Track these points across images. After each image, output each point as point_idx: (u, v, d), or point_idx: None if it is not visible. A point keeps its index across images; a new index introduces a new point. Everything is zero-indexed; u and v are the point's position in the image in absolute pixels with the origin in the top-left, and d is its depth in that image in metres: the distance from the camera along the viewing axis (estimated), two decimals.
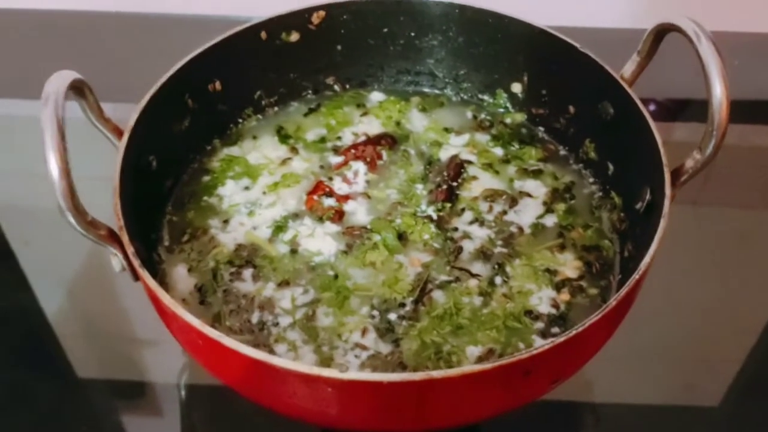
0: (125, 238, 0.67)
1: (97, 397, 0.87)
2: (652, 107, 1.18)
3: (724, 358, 0.88)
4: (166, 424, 0.84)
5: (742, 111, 1.17)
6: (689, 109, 1.19)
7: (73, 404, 0.85)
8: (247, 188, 0.89)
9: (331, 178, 0.89)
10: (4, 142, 1.16)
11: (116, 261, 0.69)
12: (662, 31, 0.77)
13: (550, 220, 0.85)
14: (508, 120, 0.97)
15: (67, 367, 0.87)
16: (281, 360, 0.58)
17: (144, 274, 0.65)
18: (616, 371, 0.86)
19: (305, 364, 0.58)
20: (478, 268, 0.80)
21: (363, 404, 0.61)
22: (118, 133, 0.76)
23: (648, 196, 0.76)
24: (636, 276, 0.64)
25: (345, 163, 0.91)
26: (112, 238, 0.67)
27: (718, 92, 0.68)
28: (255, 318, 0.75)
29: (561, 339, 0.59)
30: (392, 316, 0.75)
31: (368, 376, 0.58)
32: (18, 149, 1.12)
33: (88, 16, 1.33)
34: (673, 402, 0.84)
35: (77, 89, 0.70)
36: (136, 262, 0.66)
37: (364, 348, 0.72)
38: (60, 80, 0.66)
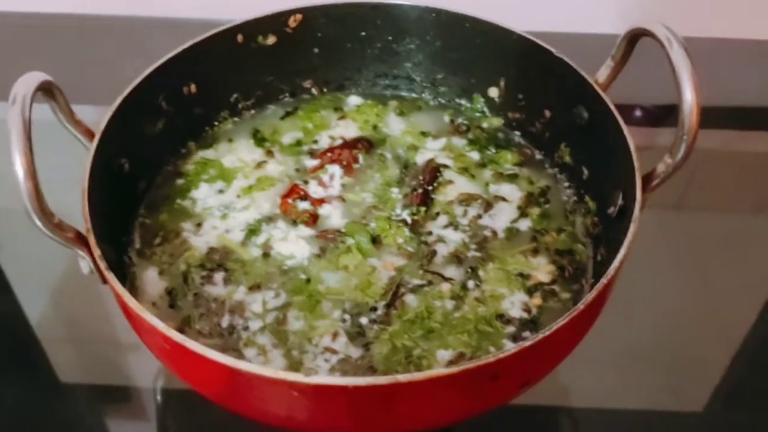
0: (92, 241, 0.67)
1: (77, 401, 0.86)
2: (638, 113, 1.19)
3: (708, 363, 0.88)
4: (147, 428, 0.83)
5: (723, 117, 1.18)
6: (675, 115, 1.19)
7: (52, 408, 0.84)
8: (221, 191, 0.88)
9: (306, 182, 0.89)
10: None
11: (84, 264, 0.69)
12: (635, 36, 0.77)
13: (525, 225, 0.85)
14: (485, 124, 0.97)
15: (46, 370, 0.86)
16: (247, 364, 0.58)
17: (111, 277, 0.65)
18: (598, 375, 0.86)
19: (270, 369, 0.58)
20: (451, 272, 0.80)
21: (330, 408, 0.61)
22: (90, 135, 0.76)
23: (620, 201, 0.76)
24: (604, 280, 0.64)
25: (321, 167, 0.91)
26: (80, 240, 0.67)
27: (689, 97, 0.68)
28: (225, 322, 0.75)
29: (528, 343, 0.59)
30: (363, 320, 0.75)
31: (334, 380, 0.57)
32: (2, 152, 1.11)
33: (61, 18, 1.32)
34: (656, 407, 0.84)
35: (47, 91, 0.70)
36: (102, 265, 0.66)
37: (334, 352, 0.72)
38: (28, 82, 0.66)
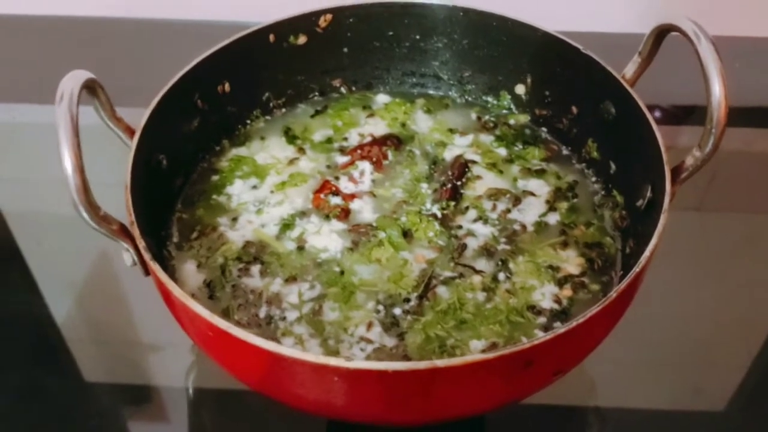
0: (137, 233, 0.69)
1: (103, 400, 0.87)
2: (657, 114, 1.19)
3: (730, 363, 0.89)
4: (172, 429, 0.85)
5: (746, 116, 1.18)
6: (694, 115, 1.20)
7: (80, 407, 0.85)
8: (255, 187, 0.90)
9: (337, 178, 0.91)
10: (13, 147, 1.17)
11: (127, 256, 0.70)
12: (663, 32, 0.78)
13: (553, 218, 0.86)
14: (511, 121, 0.99)
15: (74, 370, 0.88)
16: (289, 349, 0.59)
17: (155, 267, 0.67)
18: (619, 375, 0.87)
19: (313, 354, 0.59)
20: (481, 264, 0.81)
21: (368, 393, 0.62)
22: (130, 132, 0.78)
23: (649, 194, 0.77)
24: (636, 269, 0.65)
25: (351, 163, 0.93)
26: (124, 233, 0.69)
27: (717, 91, 0.69)
28: (263, 312, 0.77)
29: (562, 330, 0.60)
30: (397, 311, 0.77)
31: (374, 364, 0.59)
32: (29, 155, 1.14)
33: (100, 22, 1.34)
34: (678, 406, 0.85)
35: (90, 89, 0.72)
36: (147, 256, 0.68)
37: (369, 341, 0.74)
38: (74, 79, 0.68)
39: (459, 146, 0.95)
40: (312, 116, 1.00)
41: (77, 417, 0.84)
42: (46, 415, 0.83)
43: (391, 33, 0.99)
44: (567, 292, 0.79)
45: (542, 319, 0.76)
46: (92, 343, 0.93)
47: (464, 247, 0.82)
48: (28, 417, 0.83)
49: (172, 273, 0.80)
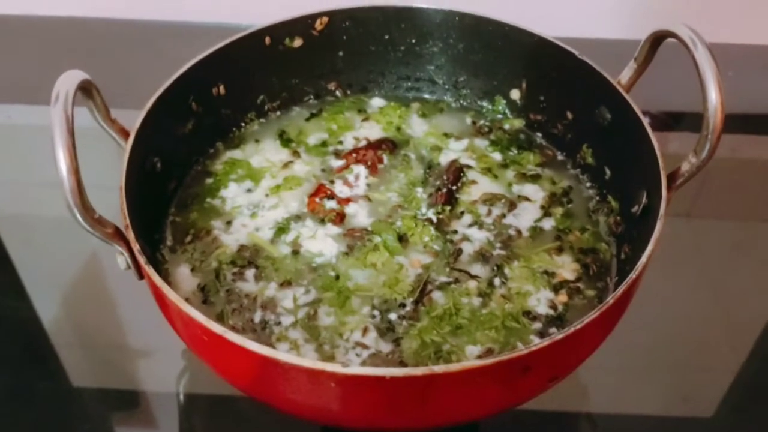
0: (131, 236, 0.68)
1: (93, 406, 0.87)
2: (646, 120, 1.20)
3: (719, 369, 0.89)
4: None
5: (734, 123, 1.19)
6: (682, 122, 1.20)
7: (69, 413, 0.85)
8: (249, 191, 0.90)
9: (332, 181, 0.91)
10: (4, 149, 1.17)
11: (121, 259, 0.70)
12: (659, 38, 0.79)
13: (548, 224, 0.86)
14: (506, 126, 0.99)
15: (63, 375, 0.87)
16: (285, 355, 0.59)
17: (150, 271, 0.66)
18: (608, 381, 0.87)
19: (309, 359, 0.59)
20: (477, 269, 0.81)
21: (365, 400, 0.62)
22: (125, 134, 0.77)
23: (644, 200, 0.77)
24: (633, 275, 0.65)
25: (346, 167, 0.92)
26: (118, 236, 0.68)
27: (713, 97, 0.69)
28: (257, 317, 0.76)
29: (559, 336, 0.60)
30: (393, 316, 0.76)
31: (371, 370, 0.58)
32: (19, 156, 1.13)
33: (95, 23, 1.34)
34: (667, 413, 0.85)
35: (85, 90, 0.72)
36: (141, 260, 0.67)
37: (364, 347, 0.73)
38: (70, 79, 0.67)
39: (454, 151, 0.95)
40: (307, 119, 1.00)
41: (66, 423, 0.83)
42: (34, 420, 0.82)
43: (386, 37, 0.99)
44: (562, 297, 0.79)
45: (538, 325, 0.76)
46: (81, 348, 0.92)
47: (460, 252, 0.82)
48: (15, 422, 0.82)
49: (165, 277, 0.80)
